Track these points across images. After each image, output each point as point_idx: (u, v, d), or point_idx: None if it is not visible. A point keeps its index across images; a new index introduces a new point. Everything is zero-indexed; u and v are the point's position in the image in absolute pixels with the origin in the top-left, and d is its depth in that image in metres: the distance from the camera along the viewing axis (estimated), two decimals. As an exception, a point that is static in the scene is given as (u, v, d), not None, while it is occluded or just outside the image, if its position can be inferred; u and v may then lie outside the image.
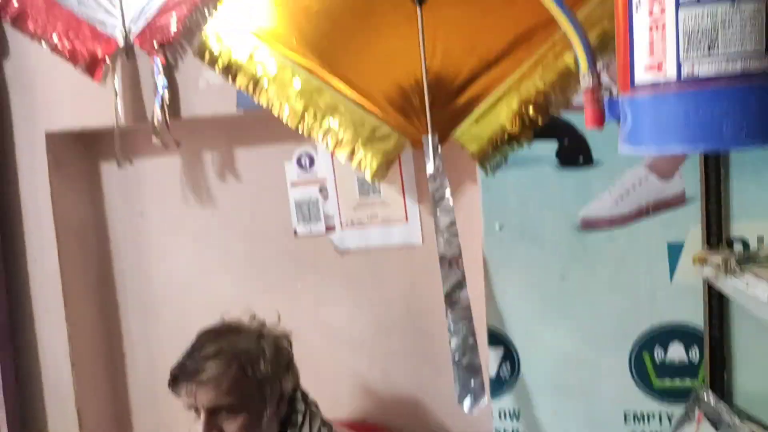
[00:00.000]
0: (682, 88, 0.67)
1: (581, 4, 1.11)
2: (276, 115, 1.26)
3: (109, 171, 1.55)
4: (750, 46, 0.65)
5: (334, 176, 1.40)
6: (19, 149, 1.45)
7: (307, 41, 1.23)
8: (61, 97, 1.41)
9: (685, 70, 0.67)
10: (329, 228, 1.42)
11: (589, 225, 1.16)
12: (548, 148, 1.18)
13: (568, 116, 1.16)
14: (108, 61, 1.35)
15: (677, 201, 1.11)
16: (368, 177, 1.25)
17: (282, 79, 1.25)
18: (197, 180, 1.49)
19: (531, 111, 1.17)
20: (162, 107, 1.32)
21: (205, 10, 1.28)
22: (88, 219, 1.56)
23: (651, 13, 0.70)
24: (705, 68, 0.66)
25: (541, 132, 1.17)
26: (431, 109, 1.17)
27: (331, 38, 1.23)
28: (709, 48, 0.66)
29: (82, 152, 1.54)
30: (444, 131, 1.20)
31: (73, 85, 1.38)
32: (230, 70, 1.28)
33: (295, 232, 1.44)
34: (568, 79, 1.14)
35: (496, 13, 1.15)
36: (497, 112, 1.18)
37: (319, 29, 1.23)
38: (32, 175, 1.45)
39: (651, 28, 0.70)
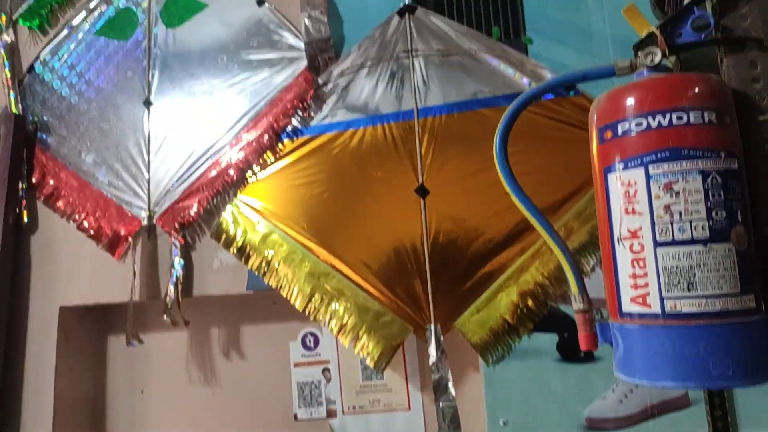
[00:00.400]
0: (668, 323, 0.70)
1: (573, 200, 1.19)
2: (285, 296, 1.30)
3: (115, 344, 1.55)
4: (726, 288, 0.68)
5: (338, 358, 1.40)
6: (31, 321, 1.46)
7: (317, 226, 1.31)
8: (79, 273, 1.44)
9: (668, 306, 0.70)
10: (330, 413, 1.39)
11: (595, 425, 1.13)
12: (549, 340, 1.19)
13: (567, 309, 1.18)
14: (130, 240, 1.41)
15: (682, 404, 1.09)
16: (370, 364, 1.26)
17: (292, 261, 1.32)
18: (202, 357, 1.49)
19: (530, 302, 1.20)
20: (176, 286, 1.36)
21: (226, 196, 1.38)
22: (88, 395, 1.53)
23: (632, 248, 0.75)
24: (687, 306, 0.69)
25: (541, 324, 1.19)
26: (434, 297, 1.21)
27: (338, 224, 1.30)
28: (688, 287, 0.69)
29: (91, 325, 1.55)
30: (446, 320, 1.23)
31: (92, 260, 1.43)
32: (244, 252, 1.35)
33: (296, 417, 1.41)
34: (564, 271, 1.19)
35: (495, 205, 1.22)
36: (497, 302, 1.22)
37: (328, 215, 1.31)
38: (40, 348, 1.45)
39: (633, 262, 0.75)
